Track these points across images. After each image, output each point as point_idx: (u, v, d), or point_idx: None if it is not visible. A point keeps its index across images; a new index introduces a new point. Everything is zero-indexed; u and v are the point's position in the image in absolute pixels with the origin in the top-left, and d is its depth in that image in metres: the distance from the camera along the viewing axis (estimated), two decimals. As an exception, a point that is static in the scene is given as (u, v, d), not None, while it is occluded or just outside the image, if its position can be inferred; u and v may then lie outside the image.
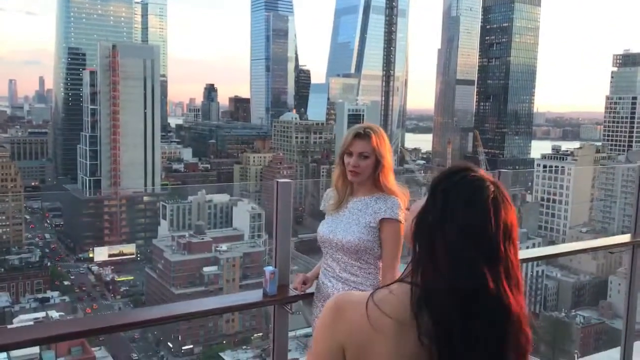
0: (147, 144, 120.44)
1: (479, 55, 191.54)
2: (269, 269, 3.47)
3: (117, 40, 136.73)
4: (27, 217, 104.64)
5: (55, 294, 74.25)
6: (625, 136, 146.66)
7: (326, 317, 1.40)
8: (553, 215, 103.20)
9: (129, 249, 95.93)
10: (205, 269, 78.04)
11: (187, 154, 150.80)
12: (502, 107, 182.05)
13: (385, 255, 3.11)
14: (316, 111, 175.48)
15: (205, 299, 3.86)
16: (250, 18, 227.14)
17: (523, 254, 4.96)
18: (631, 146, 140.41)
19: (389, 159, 3.15)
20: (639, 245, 4.81)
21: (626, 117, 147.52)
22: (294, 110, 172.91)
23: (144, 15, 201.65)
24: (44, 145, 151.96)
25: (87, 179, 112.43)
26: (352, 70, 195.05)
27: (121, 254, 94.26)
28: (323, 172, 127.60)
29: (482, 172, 1.45)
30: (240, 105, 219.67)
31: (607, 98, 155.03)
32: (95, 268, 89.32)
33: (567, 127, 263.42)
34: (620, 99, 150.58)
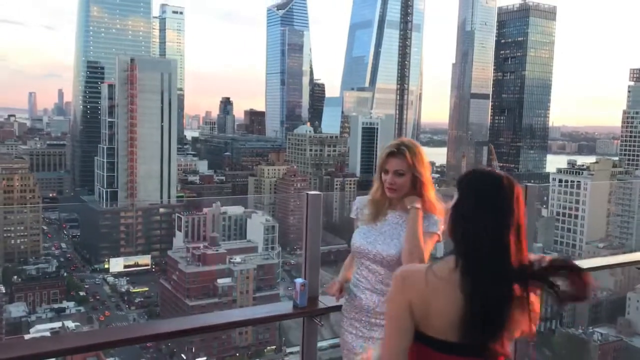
0: (164, 156, 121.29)
1: (494, 69, 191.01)
2: (299, 280, 3.56)
3: (135, 54, 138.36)
4: (45, 227, 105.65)
5: (71, 304, 74.63)
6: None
7: (397, 283, 2.06)
8: (569, 230, 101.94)
9: (144, 260, 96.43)
10: (220, 280, 78.02)
11: (202, 166, 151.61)
12: (517, 121, 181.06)
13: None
14: (330, 124, 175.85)
15: (235, 310, 3.92)
16: (266, 33, 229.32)
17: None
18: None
19: (426, 174, 3.14)
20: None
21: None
22: (309, 124, 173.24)
23: (162, 29, 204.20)
24: (62, 157, 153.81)
25: (104, 190, 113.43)
26: (367, 84, 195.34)
27: (136, 265, 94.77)
28: (337, 184, 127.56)
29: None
30: (255, 118, 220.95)
31: (624, 112, 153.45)
32: (110, 279, 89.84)
33: (583, 142, 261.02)
34: (637, 113, 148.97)
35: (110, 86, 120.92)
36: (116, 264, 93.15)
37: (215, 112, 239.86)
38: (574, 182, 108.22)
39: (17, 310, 68.92)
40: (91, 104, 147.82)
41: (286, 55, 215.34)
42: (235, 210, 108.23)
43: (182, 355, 67.77)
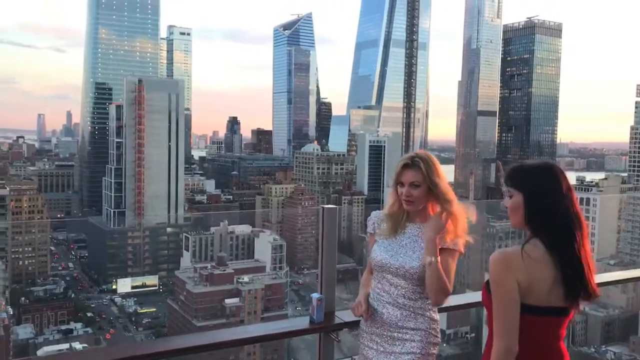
0: (171, 176, 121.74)
1: (500, 87, 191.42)
2: (315, 295, 3.46)
3: (143, 75, 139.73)
4: (53, 248, 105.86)
5: (79, 325, 74.48)
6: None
7: (501, 266, 2.50)
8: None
9: (152, 280, 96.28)
10: (227, 300, 77.68)
11: (210, 186, 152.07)
12: (524, 138, 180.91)
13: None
14: (337, 142, 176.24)
15: (251, 326, 3.81)
16: (272, 52, 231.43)
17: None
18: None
19: (442, 185, 3.15)
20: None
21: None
22: (316, 142, 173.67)
23: (170, 50, 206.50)
24: (70, 177, 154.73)
25: (112, 211, 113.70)
26: (373, 102, 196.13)
27: (144, 285, 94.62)
28: (344, 202, 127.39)
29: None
30: (262, 137, 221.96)
31: (632, 128, 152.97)
32: (118, 299, 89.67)
33: (592, 158, 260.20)
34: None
35: (118, 107, 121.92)
36: (124, 285, 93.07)
37: (222, 132, 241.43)
38: (583, 198, 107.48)
39: (24, 332, 68.78)
40: (99, 124, 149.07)
41: (293, 75, 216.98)
42: (243, 229, 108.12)
43: (190, 376, 67.02)
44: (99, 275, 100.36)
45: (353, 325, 3.40)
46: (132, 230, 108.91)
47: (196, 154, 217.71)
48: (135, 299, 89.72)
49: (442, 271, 2.99)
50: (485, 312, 2.72)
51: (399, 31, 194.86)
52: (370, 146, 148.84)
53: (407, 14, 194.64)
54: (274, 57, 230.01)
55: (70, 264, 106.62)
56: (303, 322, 3.44)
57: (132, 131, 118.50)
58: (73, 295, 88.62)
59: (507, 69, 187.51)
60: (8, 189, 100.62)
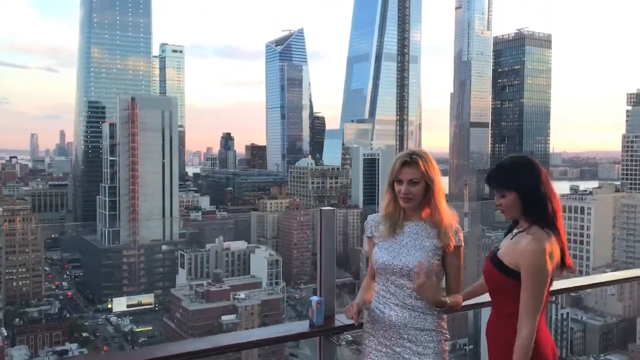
0: (165, 193, 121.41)
1: (492, 98, 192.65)
2: (315, 298, 3.42)
3: (136, 93, 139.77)
4: (47, 268, 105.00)
5: (74, 345, 73.68)
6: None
7: (546, 256, 2.83)
8: (575, 256, 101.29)
9: (148, 299, 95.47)
10: (224, 317, 77.25)
11: (204, 203, 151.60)
12: (517, 149, 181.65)
13: (456, 280, 3.20)
14: (331, 156, 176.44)
15: (252, 330, 3.78)
16: (265, 68, 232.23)
17: (562, 284, 4.86)
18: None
19: (439, 182, 3.16)
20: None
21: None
22: (310, 156, 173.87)
23: (162, 68, 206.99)
24: (64, 197, 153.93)
25: (106, 229, 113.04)
26: (366, 116, 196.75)
27: (139, 304, 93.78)
28: (340, 216, 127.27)
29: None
30: (256, 152, 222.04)
31: (624, 137, 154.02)
32: (113, 319, 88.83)
33: (585, 167, 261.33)
34: (637, 137, 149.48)
35: (112, 125, 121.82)
36: (119, 304, 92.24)
37: (216, 148, 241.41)
38: (577, 207, 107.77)
39: (19, 354, 68.03)
40: (92, 143, 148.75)
41: (286, 90, 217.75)
42: (239, 245, 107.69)
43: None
44: (94, 295, 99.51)
45: (354, 328, 3.36)
46: (127, 249, 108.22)
47: (190, 170, 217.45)
48: (131, 317, 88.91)
49: (459, 302, 3.17)
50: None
51: (390, 45, 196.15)
52: (364, 159, 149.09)
53: (398, 28, 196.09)
54: (266, 73, 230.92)
55: (65, 283, 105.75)
56: (303, 326, 3.40)
57: (125, 149, 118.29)
58: (68, 316, 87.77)
59: (499, 81, 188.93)
60: (1, 209, 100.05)
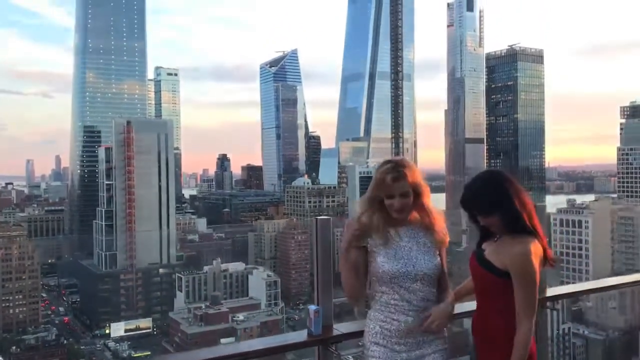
0: (162, 216, 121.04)
1: (487, 114, 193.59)
2: (312, 307, 3.38)
3: (132, 117, 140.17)
4: (44, 295, 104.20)
5: (72, 372, 72.91)
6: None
7: (533, 258, 3.01)
8: (574, 270, 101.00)
9: (146, 323, 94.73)
10: (223, 340, 76.44)
11: (201, 225, 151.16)
12: (513, 164, 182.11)
13: (445, 276, 3.29)
14: (328, 175, 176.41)
15: (250, 341, 3.75)
16: (260, 89, 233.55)
17: (560, 289, 4.83)
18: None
19: (425, 186, 3.22)
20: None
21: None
22: (306, 176, 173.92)
23: (157, 91, 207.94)
24: (61, 222, 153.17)
25: (103, 253, 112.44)
26: (362, 134, 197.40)
27: (137, 328, 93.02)
28: (337, 235, 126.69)
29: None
30: (252, 173, 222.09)
31: (619, 149, 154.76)
32: (111, 344, 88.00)
33: (581, 180, 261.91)
34: (631, 149, 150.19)
35: (107, 149, 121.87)
36: (117, 329, 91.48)
37: (212, 169, 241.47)
38: (575, 220, 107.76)
39: (16, 381, 67.20)
40: (88, 167, 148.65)
41: (280, 110, 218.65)
42: (236, 266, 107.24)
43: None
44: (91, 320, 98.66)
45: (353, 337, 3.33)
46: (124, 273, 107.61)
47: (187, 192, 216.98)
48: (129, 342, 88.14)
49: (454, 298, 3.31)
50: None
51: (384, 63, 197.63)
52: (360, 177, 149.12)
53: (391, 46, 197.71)
54: (261, 94, 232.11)
55: (61, 309, 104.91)
56: (301, 336, 3.35)
57: (121, 173, 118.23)
58: (65, 342, 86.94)
59: (492, 96, 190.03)
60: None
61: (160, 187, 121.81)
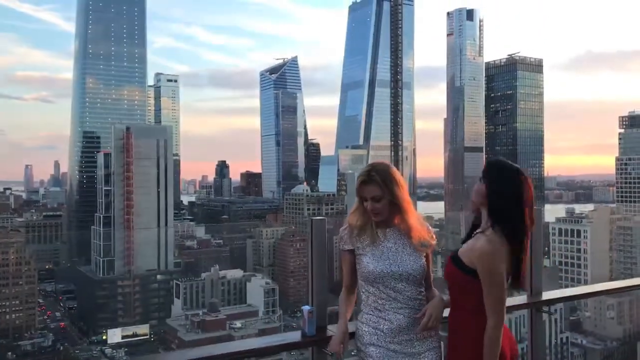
0: (160, 222, 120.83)
1: (486, 123, 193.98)
2: (306, 308, 3.36)
3: (131, 123, 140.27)
4: (41, 300, 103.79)
5: (68, 379, 72.50)
6: (639, 196, 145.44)
7: (495, 257, 2.97)
8: (573, 279, 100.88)
9: (143, 329, 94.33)
10: (220, 347, 75.85)
11: (200, 231, 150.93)
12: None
13: (429, 276, 3.31)
14: (327, 183, 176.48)
15: (245, 340, 3.71)
16: (260, 96, 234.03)
17: (563, 292, 4.81)
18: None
19: (401, 193, 3.20)
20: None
21: (638, 178, 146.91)
22: (305, 183, 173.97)
23: (157, 97, 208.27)
24: (59, 228, 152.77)
25: (101, 259, 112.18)
26: (361, 142, 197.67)
27: (135, 335, 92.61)
28: (335, 243, 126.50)
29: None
30: (251, 180, 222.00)
31: (617, 159, 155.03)
32: (108, 350, 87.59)
33: (580, 190, 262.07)
34: (630, 159, 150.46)
35: (106, 155, 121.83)
36: (114, 335, 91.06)
37: (211, 176, 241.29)
38: (574, 230, 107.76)
39: (11, 388, 66.84)
40: (87, 173, 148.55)
41: (280, 117, 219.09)
42: (234, 274, 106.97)
43: None
44: (88, 327, 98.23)
45: (349, 338, 3.29)
46: (122, 279, 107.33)
47: (185, 199, 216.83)
48: (126, 349, 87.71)
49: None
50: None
51: (384, 71, 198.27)
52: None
53: (391, 55, 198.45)
54: (261, 101, 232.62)
55: (58, 313, 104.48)
56: (295, 336, 3.33)
57: (120, 179, 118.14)
58: (62, 348, 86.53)
59: (492, 105, 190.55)
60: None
61: (159, 193, 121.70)
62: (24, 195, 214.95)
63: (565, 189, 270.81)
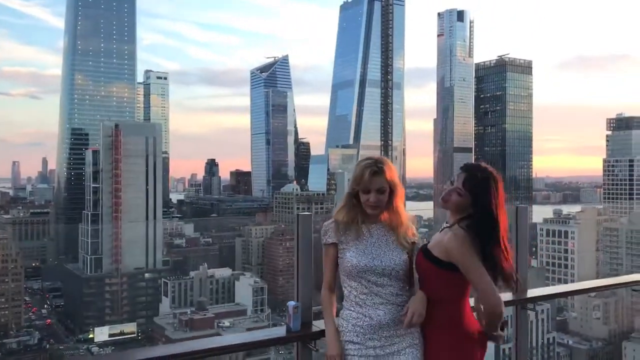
0: (149, 220, 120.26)
1: (475, 123, 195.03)
2: (292, 303, 3.37)
3: (120, 120, 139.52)
4: (27, 298, 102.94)
5: (54, 377, 72.00)
6: (625, 198, 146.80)
7: (465, 243, 3.01)
8: (560, 280, 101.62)
9: (130, 328, 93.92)
10: (208, 346, 75.72)
11: (188, 229, 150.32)
12: (500, 174, 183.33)
13: (412, 274, 3.29)
14: (317, 182, 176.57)
15: (230, 335, 3.72)
16: (250, 94, 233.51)
17: (546, 290, 4.85)
18: (632, 208, 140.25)
19: (400, 187, 3.28)
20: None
21: (625, 180, 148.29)
22: (295, 182, 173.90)
23: (146, 95, 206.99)
24: (46, 225, 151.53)
25: (89, 257, 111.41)
26: (351, 141, 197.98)
27: (122, 333, 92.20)
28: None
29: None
30: (241, 178, 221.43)
31: (605, 161, 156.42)
32: (95, 349, 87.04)
33: (567, 191, 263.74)
34: (617, 161, 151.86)
35: (95, 152, 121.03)
36: (101, 333, 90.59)
37: (200, 174, 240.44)
38: (561, 231, 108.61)
39: (-4, 386, 66.27)
40: (75, 170, 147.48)
41: (270, 116, 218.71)
42: (223, 272, 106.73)
43: None
44: (75, 325, 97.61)
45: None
46: (110, 277, 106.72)
47: (174, 197, 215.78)
48: (113, 347, 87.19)
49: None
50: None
51: (374, 71, 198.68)
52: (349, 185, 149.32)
53: (382, 55, 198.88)
54: (251, 99, 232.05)
55: (44, 311, 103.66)
56: (280, 331, 3.33)
57: (108, 176, 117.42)
58: (48, 346, 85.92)
59: (481, 106, 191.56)
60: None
61: (147, 191, 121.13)
62: (10, 192, 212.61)
63: (553, 190, 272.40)
